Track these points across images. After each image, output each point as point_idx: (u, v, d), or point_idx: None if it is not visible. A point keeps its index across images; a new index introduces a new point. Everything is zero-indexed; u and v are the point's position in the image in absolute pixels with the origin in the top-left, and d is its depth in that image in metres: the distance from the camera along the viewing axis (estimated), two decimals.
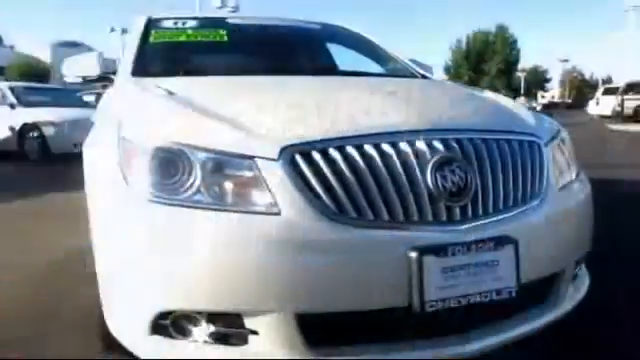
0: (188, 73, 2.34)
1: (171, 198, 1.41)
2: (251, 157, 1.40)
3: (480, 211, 1.47)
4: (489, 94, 2.35)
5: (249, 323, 1.38)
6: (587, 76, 73.26)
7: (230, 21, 2.97)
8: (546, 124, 1.91)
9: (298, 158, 1.39)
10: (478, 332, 1.49)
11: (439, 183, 1.42)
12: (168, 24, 2.86)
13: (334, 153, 1.40)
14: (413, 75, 2.90)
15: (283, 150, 1.40)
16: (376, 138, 1.45)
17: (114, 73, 2.51)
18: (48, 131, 8.61)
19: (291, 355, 1.38)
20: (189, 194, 1.41)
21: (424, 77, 2.91)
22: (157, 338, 1.44)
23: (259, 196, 1.38)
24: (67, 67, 2.65)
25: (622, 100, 19.80)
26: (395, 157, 1.42)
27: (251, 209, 1.38)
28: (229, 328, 1.41)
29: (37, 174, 7.42)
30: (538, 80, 68.25)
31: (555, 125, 1.96)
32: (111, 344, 1.61)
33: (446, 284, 1.37)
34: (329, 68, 3.10)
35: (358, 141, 1.44)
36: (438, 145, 1.47)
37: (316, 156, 1.40)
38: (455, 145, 1.49)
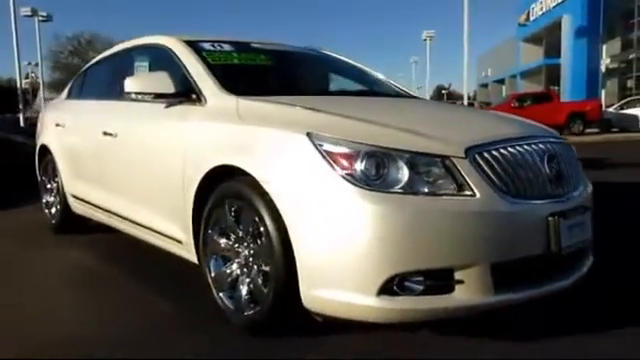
0: (281, 93, 2.66)
1: (387, 189, 1.88)
2: (447, 157, 1.94)
3: (569, 189, 2.22)
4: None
5: (458, 275, 1.90)
6: None
7: (255, 46, 3.30)
8: None
9: (477, 156, 1.98)
10: (575, 269, 2.23)
11: (551, 171, 2.13)
12: (208, 46, 3.06)
13: (495, 152, 2.02)
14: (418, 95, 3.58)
15: (467, 151, 1.97)
16: (511, 142, 2.11)
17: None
18: None
19: (485, 294, 1.94)
20: (401, 185, 1.90)
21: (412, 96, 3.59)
22: (383, 297, 1.88)
23: (456, 184, 1.93)
24: (133, 84, 2.69)
25: None
26: (527, 154, 2.10)
27: (452, 193, 1.92)
28: (441, 281, 1.91)
29: None
30: None
31: None
32: None
33: (569, 236, 2.08)
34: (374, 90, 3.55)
35: (503, 144, 2.08)
36: (542, 147, 2.19)
37: (486, 154, 2.00)
38: (550, 146, 2.22)
